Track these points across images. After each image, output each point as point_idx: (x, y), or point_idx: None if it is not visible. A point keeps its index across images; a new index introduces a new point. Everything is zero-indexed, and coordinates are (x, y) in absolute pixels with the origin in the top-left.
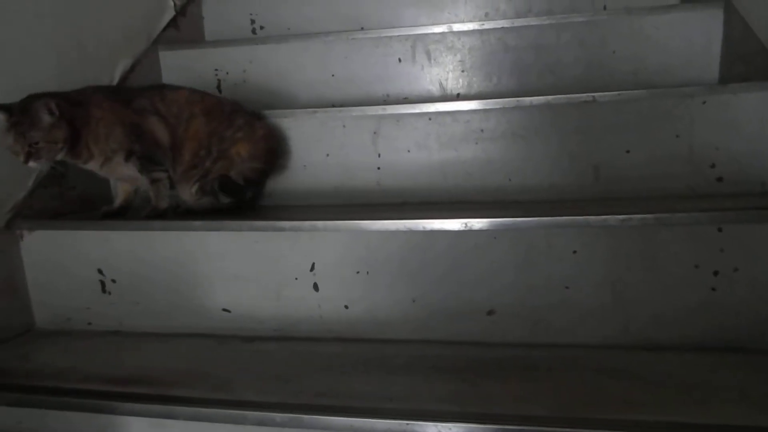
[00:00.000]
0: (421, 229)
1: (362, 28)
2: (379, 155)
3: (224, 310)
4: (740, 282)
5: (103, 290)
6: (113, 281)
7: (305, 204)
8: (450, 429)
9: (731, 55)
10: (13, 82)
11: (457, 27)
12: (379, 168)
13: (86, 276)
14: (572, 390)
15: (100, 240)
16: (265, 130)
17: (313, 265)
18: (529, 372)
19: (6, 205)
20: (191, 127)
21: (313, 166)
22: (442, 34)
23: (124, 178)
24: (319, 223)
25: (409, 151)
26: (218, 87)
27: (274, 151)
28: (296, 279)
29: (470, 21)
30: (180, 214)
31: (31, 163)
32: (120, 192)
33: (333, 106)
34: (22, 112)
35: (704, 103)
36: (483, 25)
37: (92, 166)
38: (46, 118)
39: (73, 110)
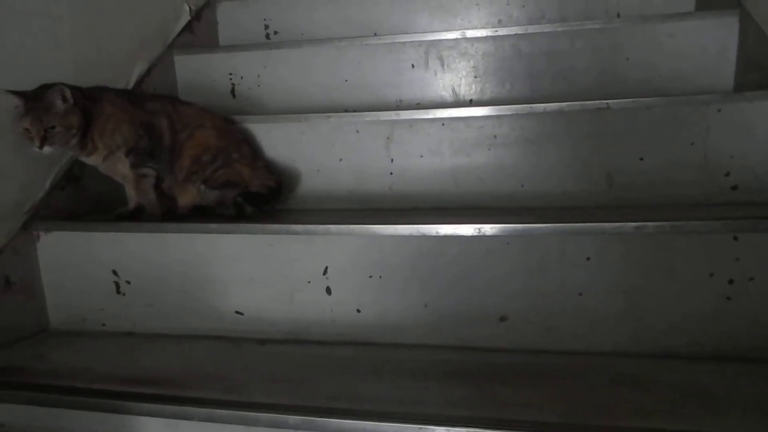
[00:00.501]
0: (434, 234)
1: (375, 34)
2: (392, 160)
3: (237, 312)
4: (756, 291)
5: (118, 291)
6: (127, 282)
7: (318, 208)
8: None
9: (746, 63)
10: (32, 84)
11: (471, 33)
12: (391, 173)
13: (101, 277)
14: (585, 397)
15: (115, 241)
16: (266, 167)
17: (326, 268)
18: (541, 378)
19: (24, 206)
20: (197, 135)
21: (326, 170)
22: (456, 40)
23: (118, 174)
24: (333, 227)
25: (422, 156)
26: (232, 91)
27: (278, 185)
28: (309, 282)
29: (483, 27)
30: (182, 214)
31: (45, 148)
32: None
33: (346, 111)
34: (37, 98)
35: (719, 110)
36: (497, 31)
37: (94, 159)
38: (61, 104)
39: (86, 102)
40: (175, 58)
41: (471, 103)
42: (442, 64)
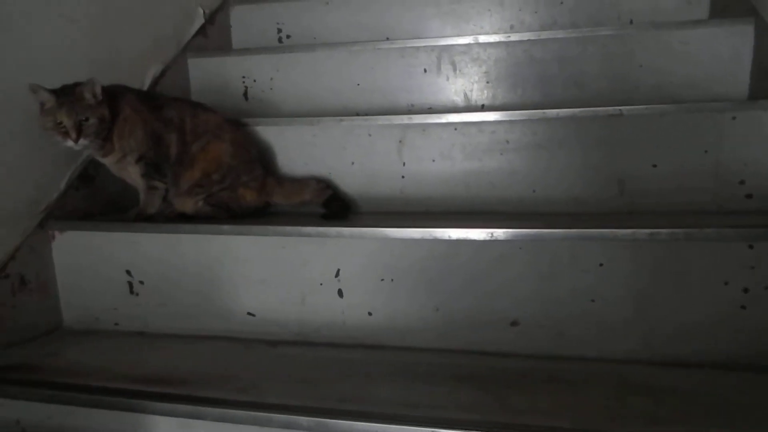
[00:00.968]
0: (446, 237)
1: (387, 39)
2: (404, 164)
3: (249, 313)
4: None
5: (131, 291)
6: (141, 283)
7: None
8: None
9: (761, 71)
10: (50, 84)
11: (483, 38)
12: (403, 177)
13: (114, 277)
14: (596, 403)
15: (130, 242)
16: (273, 185)
17: (338, 271)
18: (552, 384)
19: (39, 206)
20: (211, 148)
21: (338, 173)
22: (468, 45)
23: (129, 178)
24: (345, 230)
25: (433, 160)
26: (245, 94)
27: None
28: (321, 285)
29: (495, 33)
30: (171, 217)
31: (81, 141)
32: None
33: (357, 114)
34: (69, 93)
35: (734, 118)
36: (509, 37)
37: (109, 160)
38: (92, 97)
39: (110, 100)
40: (188, 60)
41: (483, 108)
42: (455, 69)
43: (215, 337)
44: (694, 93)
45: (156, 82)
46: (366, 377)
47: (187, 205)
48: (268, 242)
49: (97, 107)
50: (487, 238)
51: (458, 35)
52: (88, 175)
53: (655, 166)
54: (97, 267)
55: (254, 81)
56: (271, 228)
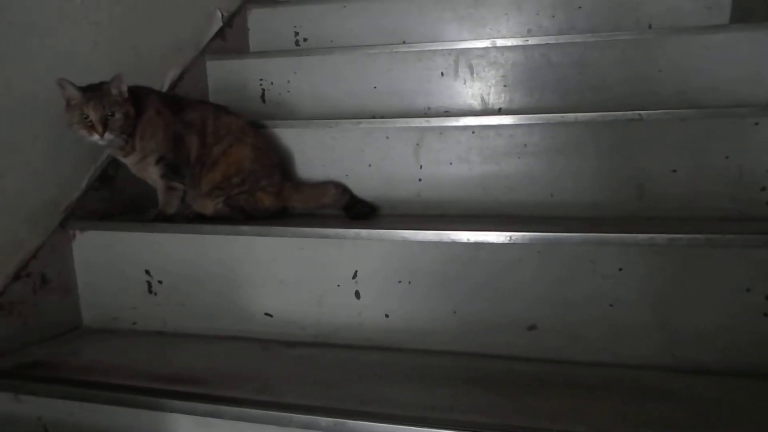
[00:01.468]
0: (464, 240)
1: (404, 42)
2: (421, 167)
3: (266, 314)
4: None
5: (150, 291)
6: (159, 282)
7: None
8: None
9: None
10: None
11: (501, 42)
12: (420, 179)
13: (134, 276)
14: (615, 409)
15: (149, 242)
16: (290, 190)
17: (356, 272)
18: (569, 388)
19: (60, 206)
20: (233, 151)
21: (355, 175)
22: (486, 49)
23: (149, 178)
24: (363, 232)
25: (451, 163)
26: (262, 96)
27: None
28: (338, 286)
29: (512, 37)
30: (190, 218)
31: (107, 135)
32: None
33: (374, 117)
34: (95, 89)
35: (756, 124)
36: (527, 41)
37: (130, 160)
38: (118, 94)
39: (135, 101)
40: (207, 63)
41: (500, 112)
42: (472, 73)
43: (233, 337)
44: (714, 98)
45: (175, 84)
46: (383, 379)
47: (207, 206)
48: (287, 243)
49: (123, 103)
50: (506, 242)
51: (475, 39)
52: (108, 176)
53: (674, 171)
54: (117, 266)
55: (272, 83)
56: (290, 229)
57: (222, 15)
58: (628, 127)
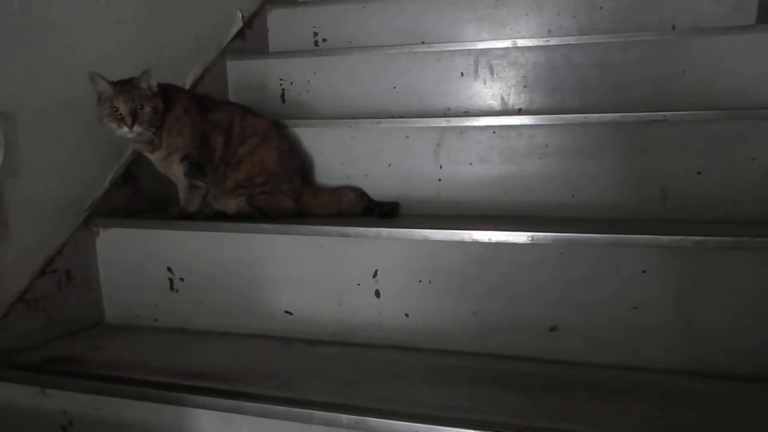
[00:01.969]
0: (486, 240)
1: (423, 43)
2: (441, 167)
3: (286, 312)
4: None
5: (171, 288)
6: (181, 279)
7: None
8: None
9: None
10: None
11: (522, 42)
12: (440, 179)
13: (156, 274)
14: (638, 412)
15: (171, 239)
16: (308, 196)
17: (376, 271)
18: (592, 391)
19: (85, 203)
20: (259, 152)
21: (374, 175)
22: (506, 49)
23: (173, 175)
24: (384, 231)
25: (471, 163)
26: (282, 96)
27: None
28: (358, 285)
29: (532, 37)
30: (211, 216)
31: (135, 128)
32: None
33: (393, 117)
34: (125, 83)
35: None
36: (548, 41)
37: (156, 156)
38: (147, 89)
39: (164, 97)
40: (227, 63)
41: (520, 113)
42: (492, 73)
43: (252, 335)
44: (740, 99)
45: (196, 83)
46: (403, 378)
47: (230, 204)
48: (307, 242)
49: (152, 97)
50: (528, 242)
51: (495, 39)
52: (131, 174)
53: (699, 173)
54: (139, 263)
55: (291, 83)
56: (311, 228)
57: (242, 15)
58: (651, 128)
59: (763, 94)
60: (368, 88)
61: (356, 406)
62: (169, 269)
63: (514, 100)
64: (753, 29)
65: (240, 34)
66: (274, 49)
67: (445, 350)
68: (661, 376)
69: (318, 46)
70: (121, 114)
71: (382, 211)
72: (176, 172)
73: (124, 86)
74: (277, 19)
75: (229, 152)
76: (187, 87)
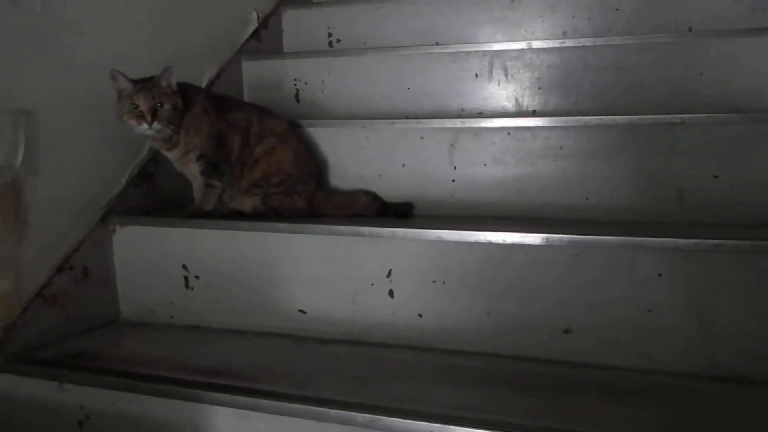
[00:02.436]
0: (500, 241)
1: (437, 44)
2: (455, 168)
3: (300, 311)
4: None
5: (187, 286)
6: (196, 277)
7: None
8: None
9: None
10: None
11: (537, 44)
12: (453, 180)
13: (171, 271)
14: (653, 415)
15: (187, 237)
16: (321, 199)
17: (390, 271)
18: (606, 394)
19: (102, 201)
20: (276, 152)
21: (388, 175)
22: (521, 50)
23: (190, 174)
24: (399, 231)
25: (485, 164)
26: (296, 96)
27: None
28: (372, 284)
29: (547, 39)
30: (226, 215)
31: (155, 125)
32: None
33: (407, 118)
34: (146, 80)
35: None
36: (563, 42)
37: (173, 154)
38: (167, 86)
39: (183, 95)
40: (242, 63)
41: (534, 114)
42: (506, 75)
43: (267, 333)
44: (758, 102)
45: (212, 83)
46: (417, 378)
47: (246, 203)
48: (322, 241)
49: (171, 95)
50: (542, 243)
51: (509, 41)
52: (147, 173)
53: (716, 176)
54: (155, 261)
55: (306, 84)
56: (325, 227)
57: (258, 16)
58: (667, 130)
59: None
60: (382, 89)
61: (371, 404)
62: (184, 267)
63: (528, 102)
64: None
65: (255, 34)
66: (289, 50)
67: (458, 350)
68: (675, 379)
69: (332, 47)
70: (141, 111)
71: (397, 212)
72: (192, 170)
73: (145, 84)
74: (291, 19)
75: (246, 152)
76: (203, 87)
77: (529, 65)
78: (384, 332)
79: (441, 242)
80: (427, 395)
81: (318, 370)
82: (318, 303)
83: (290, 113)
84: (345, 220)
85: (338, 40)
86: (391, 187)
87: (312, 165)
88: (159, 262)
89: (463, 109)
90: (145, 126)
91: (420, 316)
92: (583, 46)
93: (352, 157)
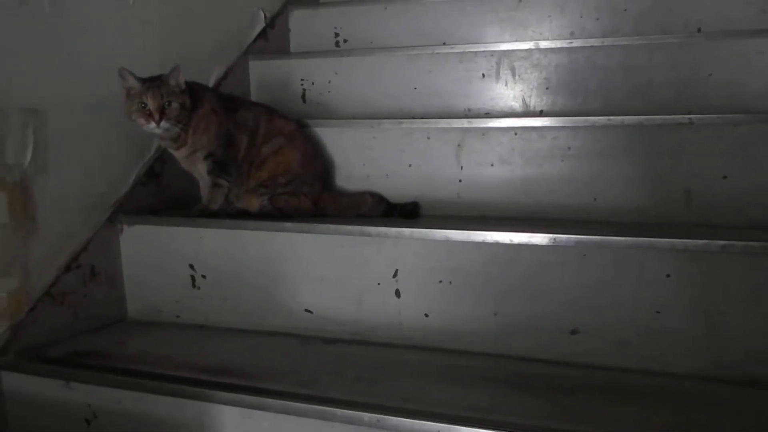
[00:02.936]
0: (507, 241)
1: (444, 44)
2: (462, 168)
3: (306, 310)
4: None
5: (193, 285)
6: (203, 277)
7: None
8: None
9: None
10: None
11: (545, 44)
12: (460, 180)
13: (178, 271)
14: (661, 418)
15: (194, 237)
16: (328, 200)
17: (396, 271)
18: (613, 395)
19: (110, 200)
20: (284, 152)
21: (395, 175)
22: (529, 50)
23: (197, 173)
24: (405, 231)
25: (492, 165)
26: (303, 96)
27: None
28: (379, 284)
29: (555, 39)
30: (233, 214)
31: (162, 123)
32: None
33: (414, 118)
34: (154, 79)
35: None
36: (571, 43)
37: (180, 153)
38: (175, 85)
39: (191, 95)
40: (250, 63)
41: (541, 114)
42: (514, 75)
43: (272, 332)
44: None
45: (219, 82)
46: (423, 378)
47: (252, 203)
48: (328, 241)
49: (179, 94)
50: (549, 244)
51: (517, 41)
52: (154, 172)
53: (725, 177)
54: (162, 260)
55: (312, 83)
56: (332, 227)
57: (265, 16)
58: (676, 131)
59: None
60: (389, 89)
61: (377, 404)
62: (191, 266)
63: (535, 102)
64: None
65: (262, 34)
66: (296, 50)
67: (464, 351)
68: (683, 381)
69: (339, 47)
70: (149, 110)
71: (403, 212)
72: (200, 169)
73: (153, 82)
74: (298, 19)
75: (253, 152)
76: (210, 86)
77: (537, 65)
78: (390, 332)
79: (448, 242)
80: (434, 395)
81: (323, 369)
82: (324, 303)
83: (297, 113)
84: (351, 219)
85: (345, 40)
86: (398, 187)
87: (319, 166)
88: (166, 262)
89: (470, 109)
90: (153, 125)
91: (426, 316)
92: (591, 46)
93: (359, 157)
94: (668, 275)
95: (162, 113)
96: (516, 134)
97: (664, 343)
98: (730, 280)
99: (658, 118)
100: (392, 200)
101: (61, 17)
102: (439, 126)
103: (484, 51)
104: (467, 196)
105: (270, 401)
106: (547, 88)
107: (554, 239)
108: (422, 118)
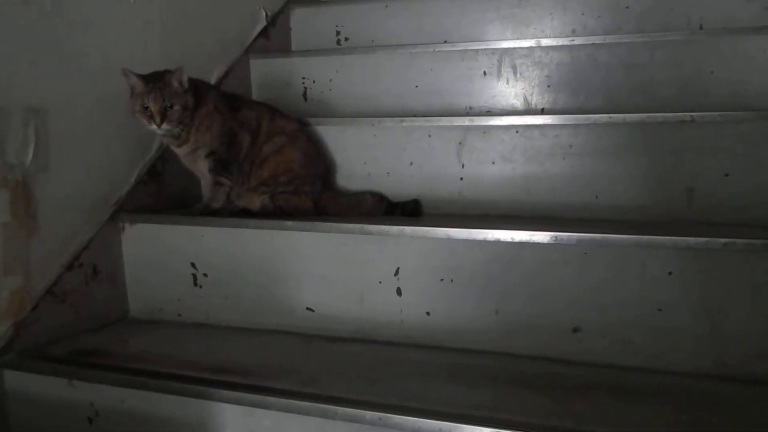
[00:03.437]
0: (509, 240)
1: (446, 42)
2: (463, 166)
3: (308, 309)
4: None
5: (195, 283)
6: (205, 275)
7: None
8: None
9: None
10: (124, 83)
11: (546, 42)
12: (462, 178)
13: (180, 269)
14: (665, 416)
15: (195, 235)
16: (328, 199)
17: (398, 269)
18: (616, 393)
19: (111, 199)
20: (286, 151)
21: (396, 173)
22: (530, 48)
23: (198, 171)
24: (407, 229)
25: (493, 163)
26: (304, 95)
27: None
28: (380, 283)
29: (556, 37)
30: (234, 213)
31: (164, 125)
32: None
33: (415, 116)
34: (157, 79)
35: None
36: (573, 40)
37: (182, 150)
38: (178, 86)
39: (195, 93)
40: (251, 61)
41: (543, 112)
42: (515, 73)
43: (274, 331)
44: None
45: (221, 81)
46: (425, 377)
47: (254, 201)
48: (330, 239)
49: (182, 95)
50: (551, 242)
51: (518, 39)
52: (156, 171)
53: (727, 175)
54: (163, 259)
55: (314, 82)
56: (333, 225)
57: (266, 14)
58: (678, 129)
59: None
60: (390, 87)
61: (379, 402)
62: (192, 265)
63: (537, 100)
64: None
65: (264, 32)
66: (297, 48)
67: (466, 349)
68: (686, 379)
69: (340, 45)
70: (151, 111)
71: (405, 210)
72: (201, 167)
73: (156, 84)
74: (300, 18)
75: (255, 151)
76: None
77: (538, 63)
78: (392, 330)
79: (449, 240)
80: (436, 394)
81: (325, 368)
82: (325, 301)
83: (298, 111)
84: (353, 218)
85: (346, 39)
86: (399, 185)
87: (320, 166)
88: (167, 260)
89: (471, 108)
90: (154, 127)
91: (428, 314)
92: (593, 44)
93: (360, 156)
94: (670, 273)
95: (163, 116)
96: (517, 132)
97: (667, 342)
98: (732, 278)
99: (660, 116)
100: (394, 199)
101: (63, 16)
102: (441, 124)
103: (485, 49)
104: (469, 194)
105: (272, 400)
106: (548, 86)
107: (556, 237)
108: (424, 116)
